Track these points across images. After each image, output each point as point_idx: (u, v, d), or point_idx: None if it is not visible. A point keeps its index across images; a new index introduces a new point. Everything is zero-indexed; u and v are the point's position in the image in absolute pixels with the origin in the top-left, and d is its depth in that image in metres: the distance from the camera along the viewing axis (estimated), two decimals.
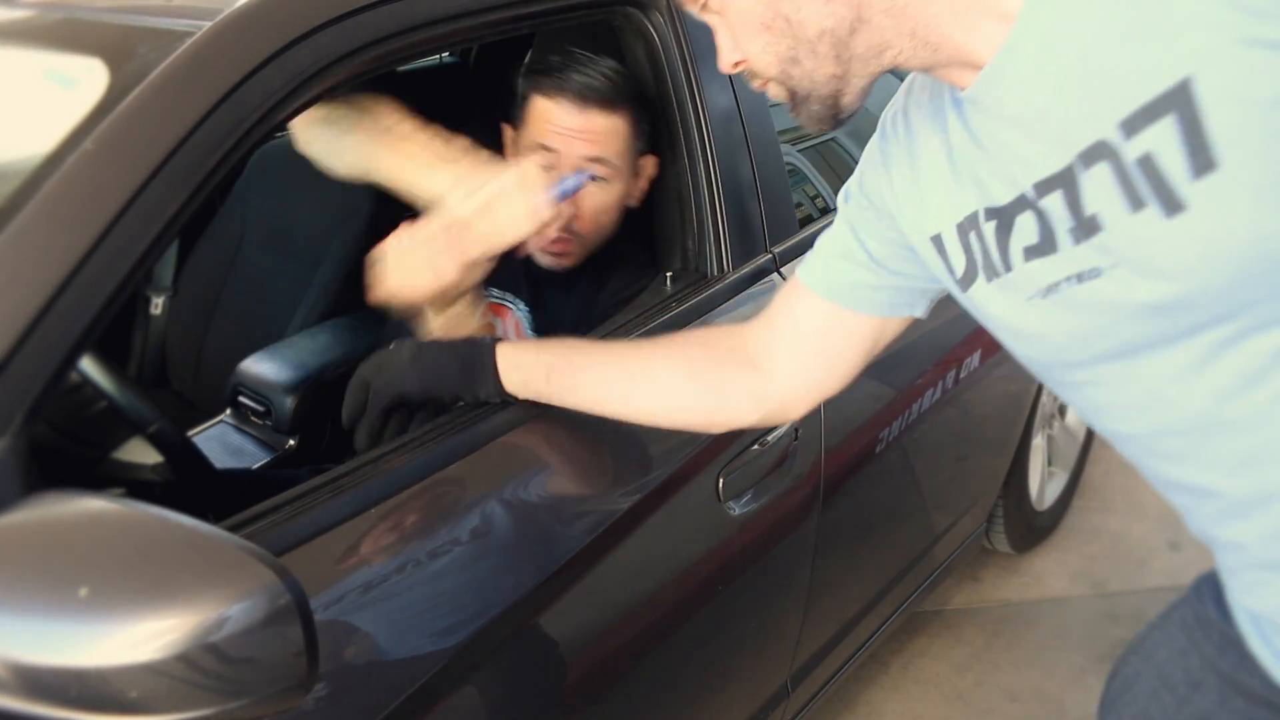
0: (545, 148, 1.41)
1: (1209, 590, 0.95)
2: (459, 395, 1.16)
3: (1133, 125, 0.71)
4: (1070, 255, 0.78)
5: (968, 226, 0.86)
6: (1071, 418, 2.74)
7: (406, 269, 1.23)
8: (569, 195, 1.31)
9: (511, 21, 1.24)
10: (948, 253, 0.89)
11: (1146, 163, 0.71)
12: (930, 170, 0.90)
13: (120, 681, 0.70)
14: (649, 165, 1.49)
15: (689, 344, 1.17)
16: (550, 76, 1.42)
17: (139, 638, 0.70)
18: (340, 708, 0.95)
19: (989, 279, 0.86)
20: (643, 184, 1.50)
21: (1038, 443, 2.51)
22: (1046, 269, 0.80)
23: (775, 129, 1.58)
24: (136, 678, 0.70)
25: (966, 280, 0.89)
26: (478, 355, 1.15)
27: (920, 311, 1.04)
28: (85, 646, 0.70)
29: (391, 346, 1.20)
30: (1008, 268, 0.83)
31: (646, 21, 1.41)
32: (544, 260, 1.48)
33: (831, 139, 1.95)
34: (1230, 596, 0.90)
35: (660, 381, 1.14)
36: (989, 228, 0.83)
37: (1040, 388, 2.36)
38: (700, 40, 1.45)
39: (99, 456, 1.23)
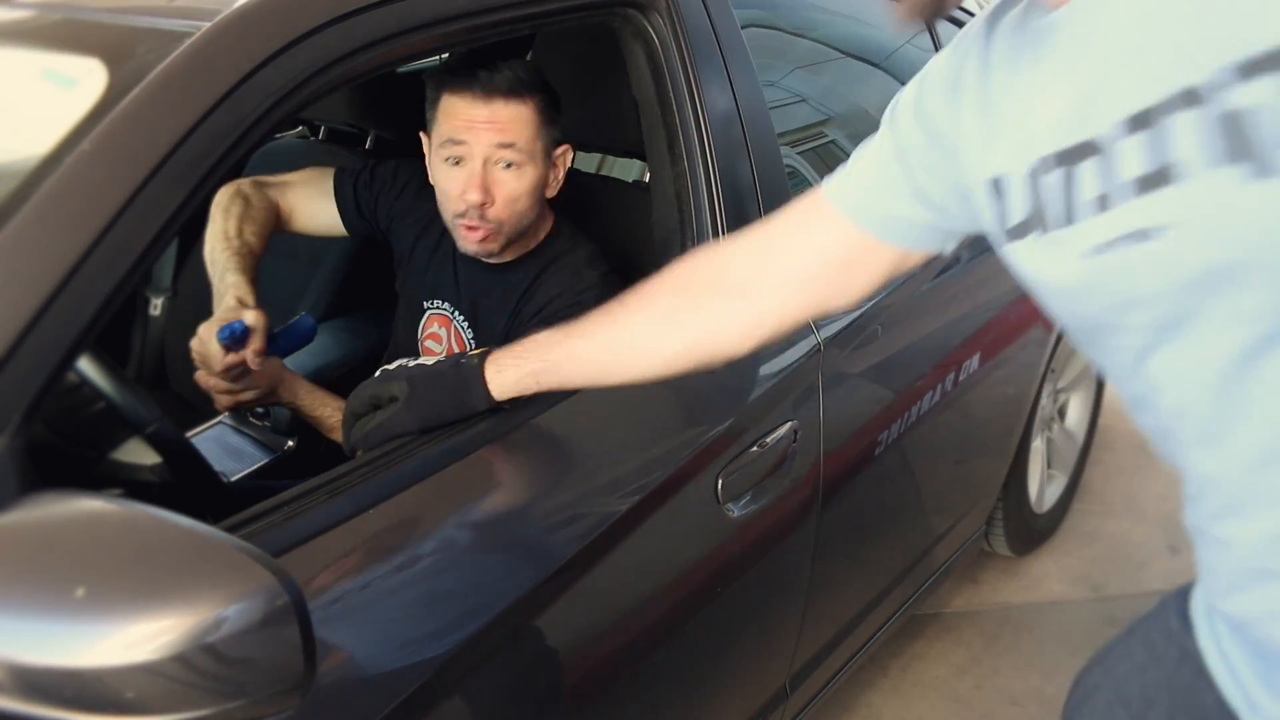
0: (455, 141, 1.44)
1: (1175, 604, 0.93)
2: (456, 421, 1.17)
3: (1250, 70, 0.62)
4: (1134, 208, 0.70)
5: (1039, 171, 0.77)
6: (1071, 420, 2.74)
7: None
8: (234, 336, 1.38)
9: (511, 22, 1.24)
10: (1007, 199, 0.81)
11: (1253, 115, 0.62)
12: (1004, 102, 0.81)
13: (117, 682, 0.70)
14: (565, 154, 1.54)
15: (662, 293, 1.12)
16: (456, 75, 1.45)
17: (136, 638, 0.70)
18: (337, 709, 0.94)
19: (1044, 232, 0.78)
20: (559, 173, 1.54)
21: (1037, 445, 2.51)
22: (1106, 224, 0.72)
23: (775, 130, 1.58)
24: (133, 678, 0.70)
25: (1019, 231, 0.81)
26: (467, 382, 1.15)
27: (949, 249, 0.98)
28: (82, 647, 0.70)
29: (378, 376, 1.22)
30: (1069, 220, 0.75)
31: (646, 23, 1.41)
32: (468, 248, 1.51)
33: (831, 140, 1.95)
34: (1199, 603, 0.89)
35: (645, 345, 1.12)
36: (1056, 175, 0.75)
37: (1040, 390, 2.36)
38: (700, 42, 1.45)
39: (97, 457, 1.22)
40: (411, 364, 1.20)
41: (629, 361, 1.13)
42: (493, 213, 1.46)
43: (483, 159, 1.43)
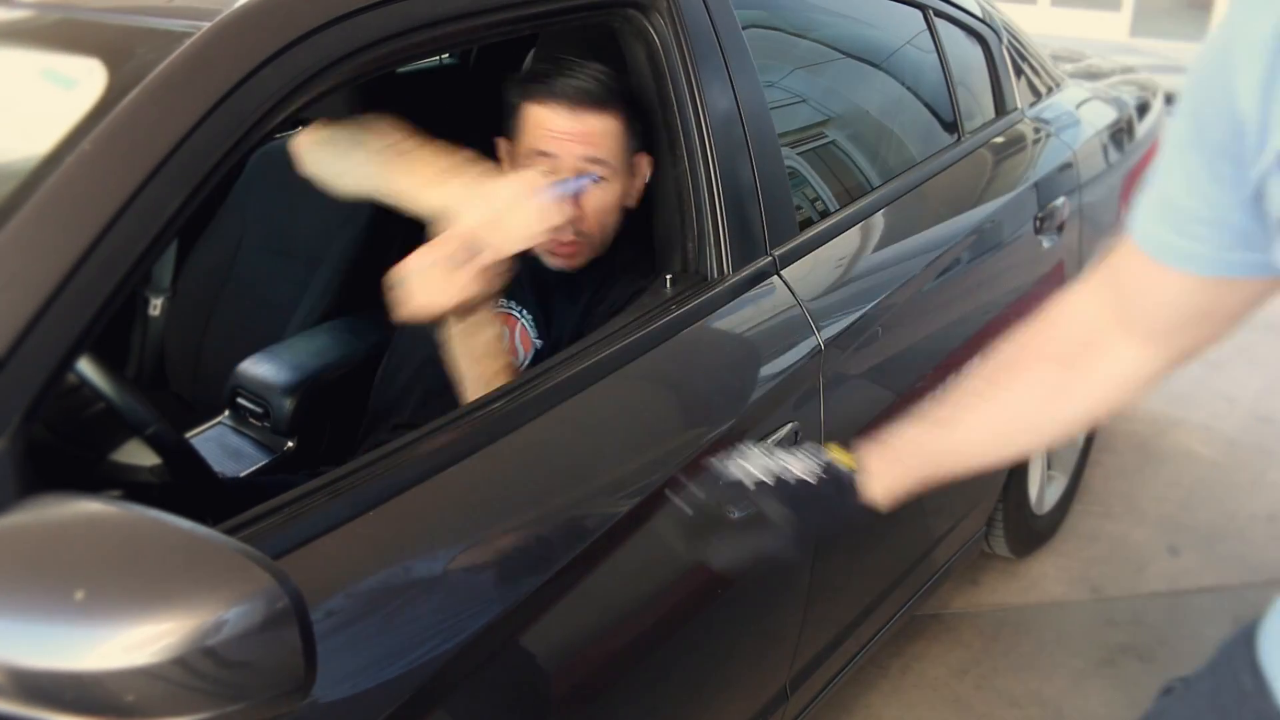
0: (542, 154, 1.42)
1: (1243, 655, 0.84)
2: None
3: None
4: None
5: None
6: None
7: (428, 287, 1.24)
8: (574, 196, 1.33)
9: (512, 23, 1.24)
10: None
11: None
12: None
13: (117, 685, 0.70)
14: (644, 164, 1.51)
15: (1036, 365, 1.03)
16: (541, 83, 1.43)
17: (136, 641, 0.70)
18: (337, 711, 0.94)
19: None
20: (639, 183, 1.51)
21: None
22: None
23: (776, 131, 1.57)
24: (133, 682, 0.70)
25: None
26: (846, 497, 1.08)
27: None
28: (81, 650, 0.70)
29: (749, 489, 1.09)
30: None
31: (647, 23, 1.41)
32: (553, 262, 1.49)
33: (832, 141, 1.95)
34: (1272, 651, 0.80)
35: (1039, 420, 1.02)
36: None
37: None
38: (701, 42, 1.45)
39: (97, 458, 1.22)
40: (776, 473, 1.09)
41: (1023, 441, 1.06)
42: (583, 227, 1.45)
43: (571, 173, 1.41)
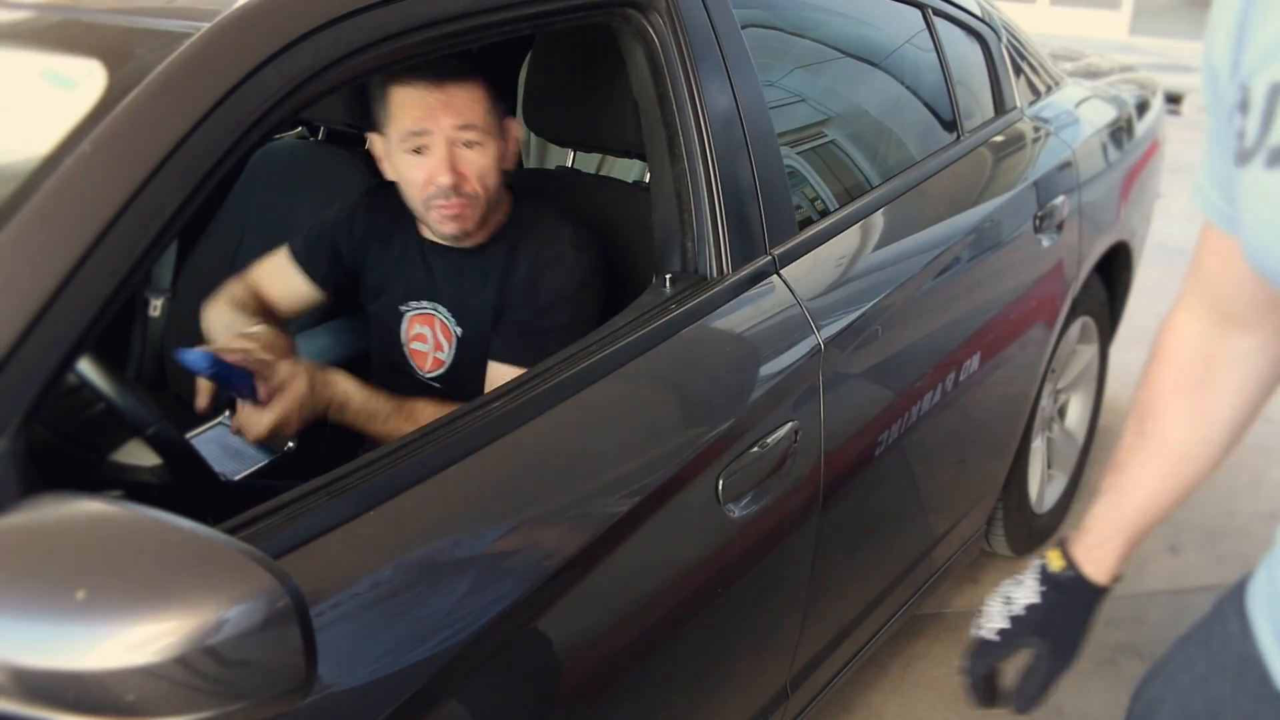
0: (416, 132, 1.48)
1: (1232, 604, 0.89)
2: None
3: None
4: None
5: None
6: (1071, 420, 2.74)
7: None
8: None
9: (511, 23, 1.24)
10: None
11: None
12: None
13: (118, 685, 0.70)
14: (513, 127, 1.59)
15: (1172, 401, 1.03)
16: (402, 69, 1.48)
17: (137, 641, 0.70)
18: (338, 710, 0.94)
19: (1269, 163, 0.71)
20: (512, 145, 1.58)
21: (1037, 445, 2.51)
22: None
23: (775, 130, 1.57)
24: (134, 681, 0.70)
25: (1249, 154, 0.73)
26: (1082, 597, 1.10)
27: None
28: (82, 649, 0.70)
29: (996, 641, 1.14)
30: None
31: (646, 23, 1.41)
32: (448, 229, 1.54)
33: (831, 140, 1.95)
34: (1258, 599, 0.84)
35: (1203, 450, 1.03)
36: None
37: (1040, 390, 2.36)
38: (700, 42, 1.45)
39: (97, 458, 1.22)
40: (1008, 613, 1.11)
41: (1194, 471, 1.06)
42: (467, 189, 1.51)
43: (446, 142, 1.48)
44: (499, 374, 1.54)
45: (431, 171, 1.49)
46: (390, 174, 1.57)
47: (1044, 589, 1.09)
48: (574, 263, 1.58)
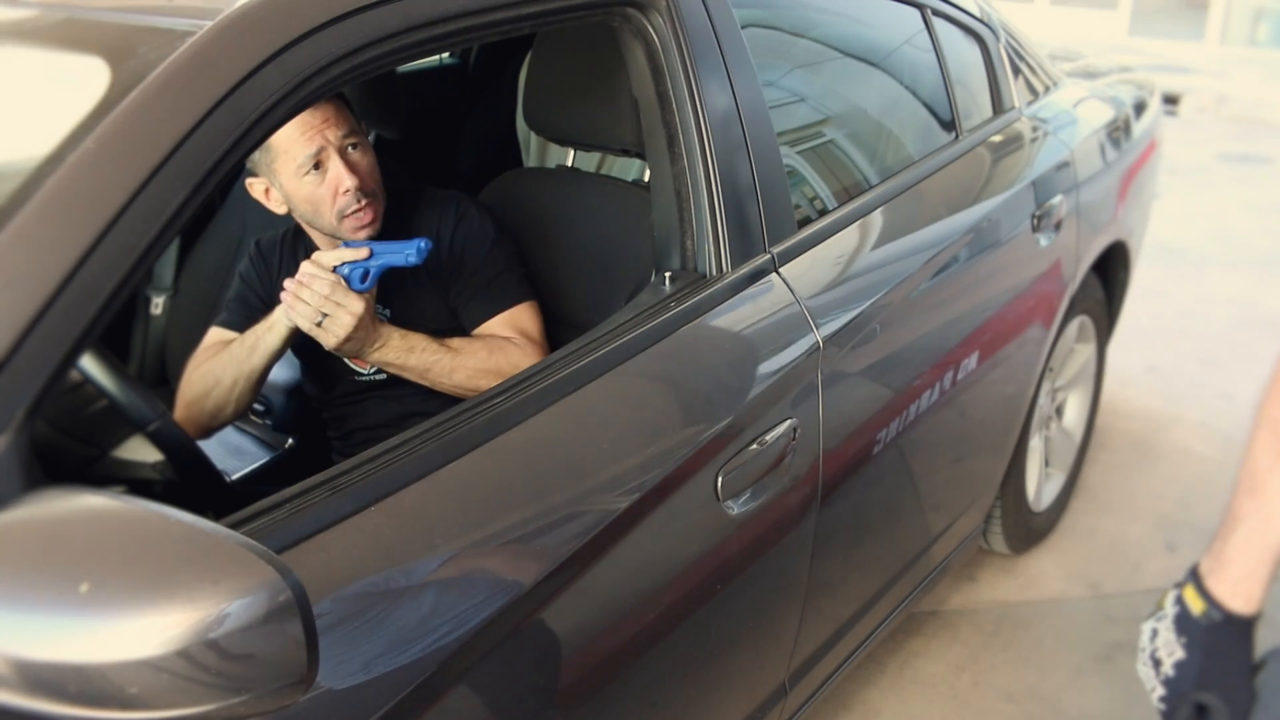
0: (312, 153, 1.54)
1: None
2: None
3: None
4: None
5: None
6: (1069, 419, 2.75)
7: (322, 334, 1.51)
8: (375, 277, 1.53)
9: (511, 22, 1.24)
10: None
11: None
12: None
13: (120, 677, 0.71)
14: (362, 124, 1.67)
15: None
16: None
17: (139, 633, 0.71)
18: (339, 705, 0.95)
19: None
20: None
21: (1035, 444, 2.52)
22: None
23: (774, 129, 1.58)
24: (137, 673, 0.71)
25: None
26: (1235, 637, 1.02)
27: None
28: (85, 642, 0.71)
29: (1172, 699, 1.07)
30: None
31: (646, 22, 1.42)
32: (361, 235, 1.60)
33: (830, 139, 1.96)
34: None
35: None
36: None
37: (1037, 389, 2.37)
38: (700, 41, 1.45)
39: (99, 454, 1.23)
40: (1160, 677, 1.05)
41: None
42: (367, 188, 1.58)
43: (338, 152, 1.56)
44: (492, 328, 1.65)
45: (336, 181, 1.55)
46: (282, 207, 1.62)
47: (1187, 639, 1.02)
48: (477, 214, 1.70)
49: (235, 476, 1.77)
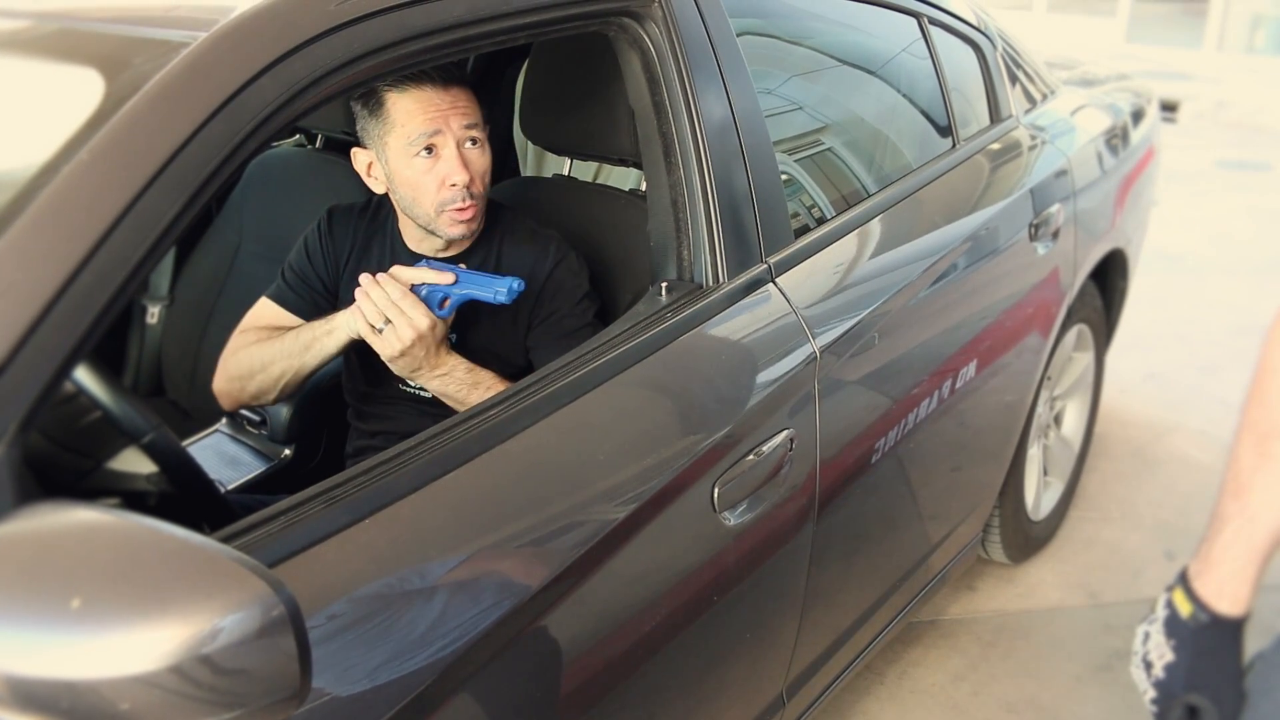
0: (427, 133, 1.49)
1: None
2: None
3: None
4: None
5: None
6: (1067, 427, 2.75)
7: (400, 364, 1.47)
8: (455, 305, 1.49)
9: (507, 32, 1.25)
10: None
11: None
12: None
13: (112, 693, 0.70)
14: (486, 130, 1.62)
15: None
16: (402, 77, 1.49)
17: (131, 649, 0.70)
18: (334, 718, 0.94)
19: None
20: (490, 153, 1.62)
21: (1033, 453, 2.51)
22: None
23: (771, 138, 1.58)
24: (129, 689, 0.70)
25: None
26: (1225, 641, 1.03)
27: None
28: (77, 658, 0.70)
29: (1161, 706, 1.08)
30: None
31: (642, 32, 1.42)
32: (456, 231, 1.55)
33: (827, 148, 1.96)
34: None
35: None
36: None
37: (1036, 397, 2.36)
38: (696, 50, 1.45)
39: (94, 466, 1.22)
40: (1150, 680, 1.07)
41: None
42: (475, 189, 1.53)
43: (455, 142, 1.50)
44: None
45: (446, 172, 1.50)
46: (381, 186, 1.57)
47: (1176, 641, 1.04)
48: (576, 262, 1.63)
49: (231, 487, 1.77)
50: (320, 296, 1.69)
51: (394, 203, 1.60)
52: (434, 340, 1.46)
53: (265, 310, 1.69)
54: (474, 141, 1.52)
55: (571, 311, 1.60)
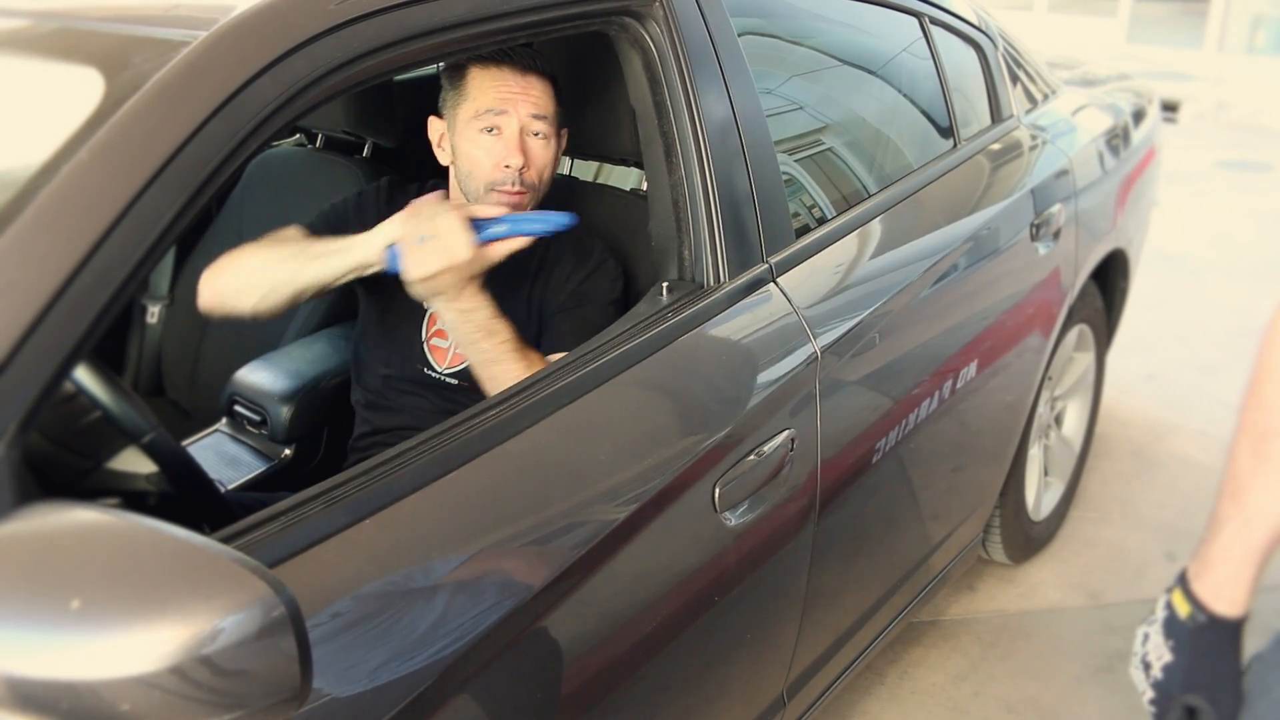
0: (494, 111, 1.51)
1: None
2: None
3: None
4: None
5: None
6: (1068, 428, 2.75)
7: (414, 262, 1.37)
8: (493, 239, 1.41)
9: (508, 31, 1.24)
10: None
11: None
12: None
13: (112, 694, 0.70)
14: (564, 136, 1.62)
15: None
16: (490, 49, 1.50)
17: (132, 650, 0.70)
18: (334, 718, 0.94)
19: None
20: (558, 153, 1.61)
21: (1034, 453, 2.51)
22: None
23: (772, 138, 1.58)
24: (129, 690, 0.70)
25: None
26: (1224, 642, 1.03)
27: None
28: (77, 659, 0.70)
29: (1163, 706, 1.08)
30: None
31: (643, 31, 1.41)
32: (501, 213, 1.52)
33: (828, 148, 1.96)
34: None
35: None
36: None
37: (1037, 398, 2.36)
38: (697, 50, 1.45)
39: (93, 466, 1.22)
40: (1149, 680, 1.07)
41: None
42: (529, 177, 1.53)
43: (519, 128, 1.52)
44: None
45: (503, 153, 1.51)
46: (447, 158, 1.59)
47: (1174, 642, 1.04)
48: (615, 271, 1.64)
49: (231, 487, 1.77)
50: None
51: (451, 175, 1.61)
52: (468, 272, 1.39)
53: (288, 231, 1.62)
54: (539, 134, 1.54)
55: (595, 310, 1.60)
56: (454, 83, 1.55)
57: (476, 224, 1.40)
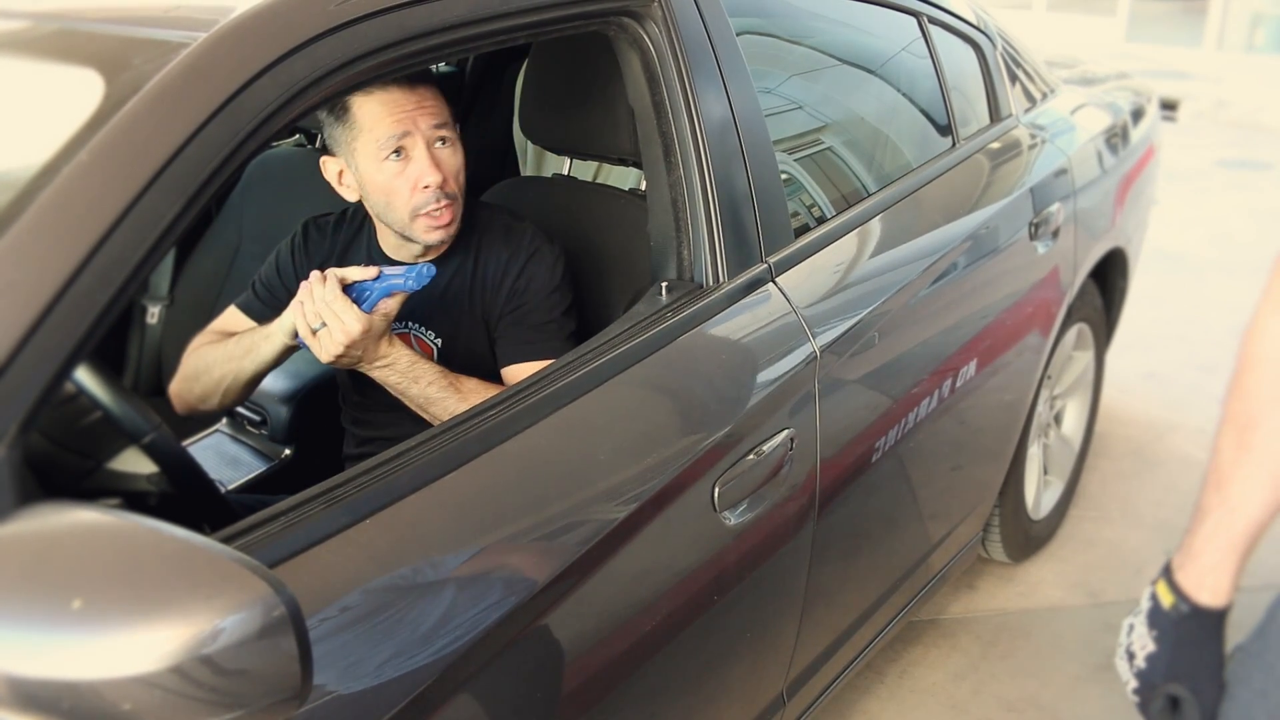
0: (396, 135, 1.46)
1: None
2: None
3: None
4: None
5: None
6: (1067, 426, 2.75)
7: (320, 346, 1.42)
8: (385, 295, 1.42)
9: (507, 32, 1.25)
10: None
11: None
12: None
13: (114, 694, 0.70)
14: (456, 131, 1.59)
15: (1275, 412, 0.99)
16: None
17: (132, 650, 0.70)
18: (334, 717, 0.94)
19: None
20: (464, 152, 1.58)
21: (1034, 452, 2.51)
22: None
23: (771, 138, 1.58)
24: (130, 690, 0.70)
25: None
26: (1206, 631, 1.03)
27: None
28: (78, 659, 0.70)
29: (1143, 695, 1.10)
30: None
31: (642, 31, 1.42)
32: (434, 236, 1.52)
33: (827, 147, 1.96)
34: None
35: None
36: None
37: (1036, 396, 2.36)
38: (695, 50, 1.45)
39: (94, 466, 1.22)
40: (1133, 670, 1.09)
41: None
42: (449, 189, 1.50)
43: (425, 143, 1.47)
44: (518, 374, 1.55)
45: (418, 174, 1.46)
46: (354, 194, 1.54)
47: (1157, 632, 1.05)
48: (551, 255, 1.60)
49: (231, 487, 1.77)
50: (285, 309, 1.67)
51: (368, 210, 1.57)
52: (371, 338, 1.43)
53: (230, 317, 1.67)
54: (444, 141, 1.49)
55: (537, 306, 1.58)
56: (340, 118, 1.48)
57: (356, 290, 1.42)
